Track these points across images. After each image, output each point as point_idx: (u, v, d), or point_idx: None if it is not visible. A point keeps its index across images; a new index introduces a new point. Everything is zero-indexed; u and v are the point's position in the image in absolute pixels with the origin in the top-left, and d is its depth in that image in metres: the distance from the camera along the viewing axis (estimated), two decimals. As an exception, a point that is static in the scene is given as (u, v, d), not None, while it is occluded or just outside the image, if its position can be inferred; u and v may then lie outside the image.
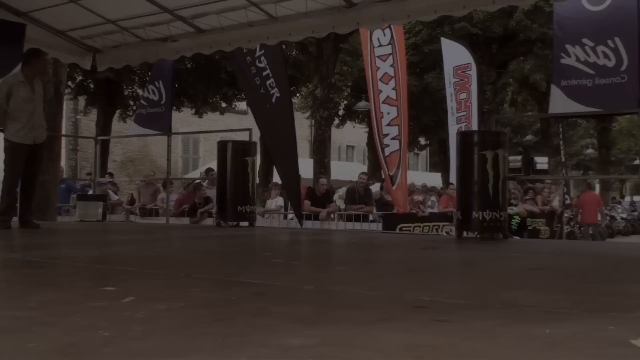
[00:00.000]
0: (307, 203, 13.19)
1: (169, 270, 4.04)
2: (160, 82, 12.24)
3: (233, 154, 9.50)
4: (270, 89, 11.73)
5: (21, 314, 2.39)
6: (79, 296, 2.87)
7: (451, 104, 16.00)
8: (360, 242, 7.30)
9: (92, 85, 22.92)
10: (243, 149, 9.64)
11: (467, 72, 15.70)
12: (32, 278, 3.53)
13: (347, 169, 28.71)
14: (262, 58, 11.76)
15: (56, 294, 2.95)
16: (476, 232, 7.42)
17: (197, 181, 16.76)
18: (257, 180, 12.10)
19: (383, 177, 15.67)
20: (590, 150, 43.59)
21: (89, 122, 28.09)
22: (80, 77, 21.97)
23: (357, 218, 13.25)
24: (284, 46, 12.78)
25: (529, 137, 37.92)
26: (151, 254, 5.40)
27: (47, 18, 10.22)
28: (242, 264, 4.58)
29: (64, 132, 23.16)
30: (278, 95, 11.71)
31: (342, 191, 15.57)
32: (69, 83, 20.31)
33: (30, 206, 8.33)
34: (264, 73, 11.72)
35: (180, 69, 19.06)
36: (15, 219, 8.17)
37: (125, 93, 23.46)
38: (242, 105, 29.52)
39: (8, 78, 8.31)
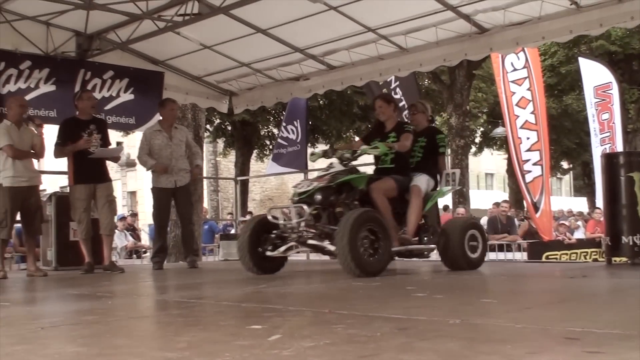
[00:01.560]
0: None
1: (312, 307, 4.05)
2: (298, 120, 12.51)
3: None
4: (406, 119, 11.73)
5: (172, 355, 2.45)
6: (227, 335, 2.91)
7: (593, 125, 15.52)
8: (505, 273, 7.11)
9: (229, 127, 23.66)
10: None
11: (609, 91, 15.17)
12: (181, 318, 3.62)
13: (487, 198, 28.22)
14: (397, 89, 11.80)
15: (204, 333, 3.01)
16: (627, 258, 7.09)
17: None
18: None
19: (525, 204, 15.28)
20: None
21: (228, 163, 29.02)
22: (218, 120, 22.75)
23: (501, 248, 12.94)
24: (415, 76, 12.80)
25: (677, 155, 36.01)
26: (293, 291, 5.46)
27: (183, 65, 10.67)
28: (384, 299, 4.54)
29: (205, 174, 23.98)
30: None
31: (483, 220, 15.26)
32: (208, 126, 21.06)
33: (191, 246, 8.77)
34: (400, 104, 11.74)
35: (313, 106, 19.37)
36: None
37: (262, 133, 24.06)
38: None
39: (147, 130, 8.96)
